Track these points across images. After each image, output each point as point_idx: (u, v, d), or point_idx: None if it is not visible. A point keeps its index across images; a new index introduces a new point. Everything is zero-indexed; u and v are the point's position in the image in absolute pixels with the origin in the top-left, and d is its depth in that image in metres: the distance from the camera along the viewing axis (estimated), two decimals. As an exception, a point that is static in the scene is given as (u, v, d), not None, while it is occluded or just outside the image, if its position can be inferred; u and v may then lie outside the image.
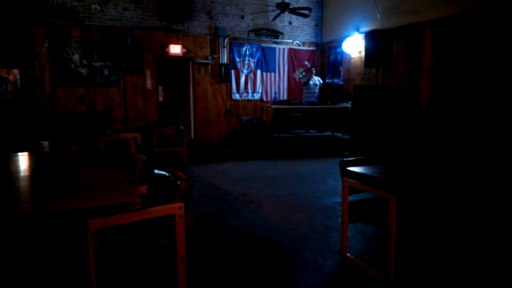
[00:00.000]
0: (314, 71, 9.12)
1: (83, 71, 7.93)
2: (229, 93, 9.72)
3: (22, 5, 7.21)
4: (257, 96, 10.09)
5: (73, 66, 7.82)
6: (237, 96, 9.82)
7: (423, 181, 2.77)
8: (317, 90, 8.96)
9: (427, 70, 7.50)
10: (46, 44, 7.52)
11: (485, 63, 6.34)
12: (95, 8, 7.94)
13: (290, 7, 8.56)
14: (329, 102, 8.36)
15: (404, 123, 6.75)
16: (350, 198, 2.92)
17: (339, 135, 8.73)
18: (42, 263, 2.00)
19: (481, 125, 6.10)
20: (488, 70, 6.29)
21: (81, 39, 7.85)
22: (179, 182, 2.15)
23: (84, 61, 7.92)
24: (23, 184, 2.25)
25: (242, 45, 9.70)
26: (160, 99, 9.17)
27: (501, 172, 3.08)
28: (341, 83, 9.45)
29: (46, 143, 5.27)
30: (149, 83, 8.66)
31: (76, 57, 7.83)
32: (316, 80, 9.00)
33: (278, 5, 8.59)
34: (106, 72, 8.15)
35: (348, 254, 2.98)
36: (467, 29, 6.65)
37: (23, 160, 2.97)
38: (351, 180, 2.83)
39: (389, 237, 2.53)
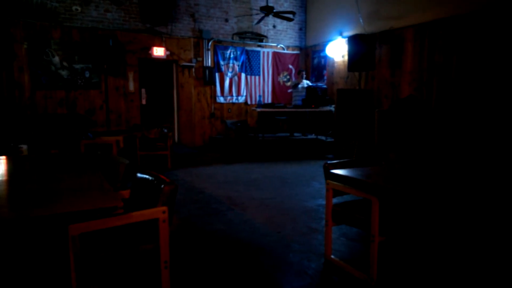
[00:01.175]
0: (304, 75, 9.19)
1: (64, 73, 7.78)
2: (214, 96, 9.69)
3: (0, 5, 7.03)
4: (241, 99, 10.09)
5: (53, 68, 7.66)
6: (221, 99, 9.80)
7: (406, 183, 2.81)
8: (304, 94, 9.03)
9: (408, 74, 7.64)
10: (25, 46, 7.35)
11: (465, 66, 6.50)
12: (76, 9, 7.81)
13: (274, 10, 8.61)
14: (313, 106, 8.42)
15: (388, 124, 6.85)
16: (334, 200, 2.94)
17: (323, 138, 8.81)
18: (21, 269, 1.94)
19: (463, 126, 6.24)
20: (468, 74, 6.45)
21: (61, 40, 7.70)
22: (162, 185, 2.13)
23: (65, 63, 7.77)
24: (1, 188, 2.18)
25: (226, 48, 9.70)
26: (143, 102, 9.06)
27: (485, 173, 3.16)
28: (325, 86, 9.53)
29: (24, 147, 5.14)
30: (131, 86, 8.56)
31: (56, 59, 7.68)
32: (305, 83, 9.08)
33: (262, 9, 8.63)
34: (87, 74, 8.01)
35: (333, 256, 3.00)
36: (448, 34, 6.81)
37: (0, 164, 2.89)
38: (335, 183, 2.85)
39: (373, 239, 2.55)
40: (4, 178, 2.48)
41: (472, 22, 6.36)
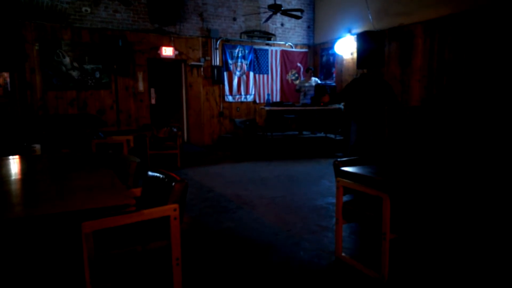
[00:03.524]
0: (312, 73, 9.15)
1: (74, 74, 7.86)
2: (222, 95, 9.71)
3: (11, 7, 7.13)
4: (250, 98, 10.09)
5: (64, 69, 7.75)
6: (230, 98, 9.82)
7: (417, 180, 2.79)
8: (313, 92, 9.00)
9: (418, 71, 7.57)
10: (37, 47, 7.44)
11: (476, 63, 6.42)
12: (86, 10, 7.89)
13: (282, 8, 8.59)
14: (322, 104, 8.39)
15: (396, 123, 6.79)
16: (344, 198, 2.93)
17: (332, 136, 8.76)
18: (35, 266, 1.97)
19: (473, 124, 6.17)
20: (480, 71, 6.37)
21: (72, 41, 7.78)
22: (173, 183, 2.14)
23: (75, 64, 7.86)
24: (15, 187, 2.22)
25: (234, 47, 9.70)
26: (153, 101, 9.12)
27: (495, 171, 3.12)
28: (334, 84, 9.49)
29: (38, 146, 5.21)
30: (141, 86, 8.62)
31: (67, 59, 7.76)
32: (313, 81, 9.03)
33: (270, 7, 8.61)
34: (97, 74, 8.09)
35: (343, 254, 2.99)
36: (458, 30, 6.73)
37: (14, 164, 2.93)
38: (345, 180, 2.84)
39: (384, 237, 2.54)
40: (18, 177, 2.52)
41: (483, 18, 6.27)
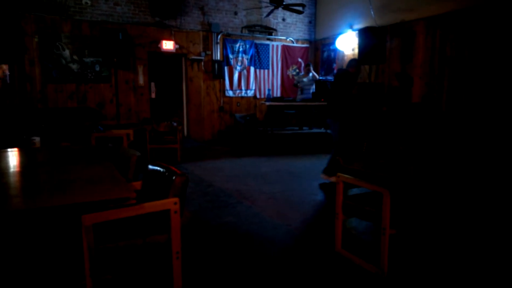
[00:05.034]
0: (311, 69, 9.12)
1: (74, 66, 7.83)
2: (223, 90, 9.68)
3: (12, -1, 7.08)
4: (250, 93, 10.06)
5: (63, 61, 7.71)
6: (230, 93, 9.79)
7: (417, 176, 2.78)
8: (310, 87, 8.97)
9: (419, 67, 7.54)
10: (36, 39, 7.40)
11: (478, 60, 6.40)
12: (86, 2, 7.83)
13: (284, 3, 8.54)
14: (322, 99, 8.36)
15: (396, 119, 6.78)
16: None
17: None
18: (35, 259, 1.96)
19: (474, 121, 6.16)
20: (481, 68, 6.35)
21: (71, 34, 7.74)
22: (173, 177, 2.13)
23: (75, 57, 7.82)
24: (14, 179, 2.21)
25: (235, 41, 9.66)
26: (153, 95, 9.09)
27: (494, 167, 3.12)
28: (334, 80, 9.45)
29: (37, 139, 5.20)
30: (141, 80, 8.59)
31: (66, 52, 7.72)
32: (310, 76, 8.99)
33: (271, 2, 8.56)
34: (97, 68, 8.05)
35: (343, 249, 2.99)
36: (460, 27, 6.70)
37: (13, 156, 2.92)
38: (345, 176, 2.83)
39: (383, 232, 2.54)
40: (17, 169, 2.51)
41: (485, 14, 6.24)
